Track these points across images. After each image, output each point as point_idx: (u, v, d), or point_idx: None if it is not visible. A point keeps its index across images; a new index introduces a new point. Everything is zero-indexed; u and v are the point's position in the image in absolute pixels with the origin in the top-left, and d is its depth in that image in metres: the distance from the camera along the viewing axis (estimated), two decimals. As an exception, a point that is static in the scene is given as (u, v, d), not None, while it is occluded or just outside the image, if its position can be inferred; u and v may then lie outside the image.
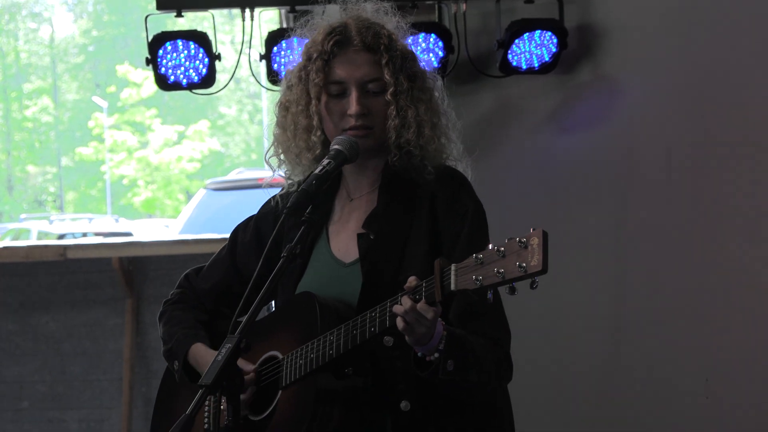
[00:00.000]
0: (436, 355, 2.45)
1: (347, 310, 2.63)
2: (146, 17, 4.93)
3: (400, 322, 2.41)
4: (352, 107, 2.67)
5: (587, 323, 4.75)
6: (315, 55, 2.71)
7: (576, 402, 4.80)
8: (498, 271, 2.25)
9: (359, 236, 2.69)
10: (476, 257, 2.30)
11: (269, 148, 2.87)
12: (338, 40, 2.70)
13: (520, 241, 2.23)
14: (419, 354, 2.48)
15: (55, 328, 7.04)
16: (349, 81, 2.68)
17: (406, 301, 2.40)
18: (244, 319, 2.43)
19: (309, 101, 2.72)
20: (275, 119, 2.84)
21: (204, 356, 2.78)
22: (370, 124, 2.68)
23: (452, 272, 2.34)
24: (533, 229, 2.22)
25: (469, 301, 2.52)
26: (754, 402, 4.13)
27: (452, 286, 2.33)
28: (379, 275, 2.64)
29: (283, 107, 2.80)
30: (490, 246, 2.29)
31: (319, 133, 2.72)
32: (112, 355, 7.01)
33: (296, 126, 2.75)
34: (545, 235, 2.20)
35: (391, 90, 2.67)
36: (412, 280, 2.41)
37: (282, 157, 2.82)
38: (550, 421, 4.73)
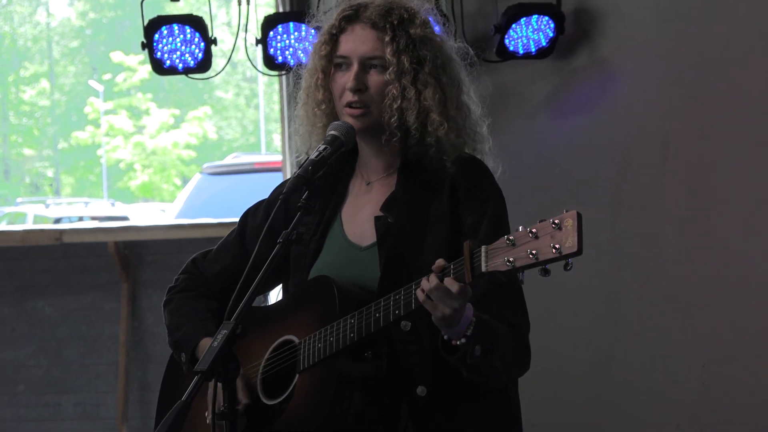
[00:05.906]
0: (463, 340, 2.41)
1: (365, 294, 2.60)
2: (142, 1, 4.89)
3: (425, 300, 2.36)
4: (349, 81, 2.65)
5: (584, 311, 4.75)
6: (325, 29, 2.72)
7: (574, 388, 4.80)
8: (531, 253, 2.20)
9: (377, 219, 2.66)
10: (507, 239, 2.24)
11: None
12: (348, 15, 2.70)
13: (553, 223, 2.18)
14: (445, 337, 2.45)
15: (51, 313, 7.03)
16: (352, 56, 2.67)
17: (432, 279, 2.35)
18: (240, 305, 2.39)
19: (318, 74, 2.72)
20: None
21: None
22: (367, 102, 2.65)
23: (483, 253, 2.29)
24: (566, 211, 2.17)
25: (489, 288, 2.49)
26: (749, 388, 4.14)
27: (483, 268, 2.28)
28: (397, 259, 2.60)
29: (302, 84, 2.81)
30: (521, 228, 2.24)
31: (323, 106, 2.72)
32: (108, 340, 7.01)
33: (308, 99, 2.76)
34: (580, 217, 2.15)
35: (392, 68, 2.64)
36: (439, 262, 2.37)
37: (301, 133, 2.81)
38: (550, 407, 4.73)
